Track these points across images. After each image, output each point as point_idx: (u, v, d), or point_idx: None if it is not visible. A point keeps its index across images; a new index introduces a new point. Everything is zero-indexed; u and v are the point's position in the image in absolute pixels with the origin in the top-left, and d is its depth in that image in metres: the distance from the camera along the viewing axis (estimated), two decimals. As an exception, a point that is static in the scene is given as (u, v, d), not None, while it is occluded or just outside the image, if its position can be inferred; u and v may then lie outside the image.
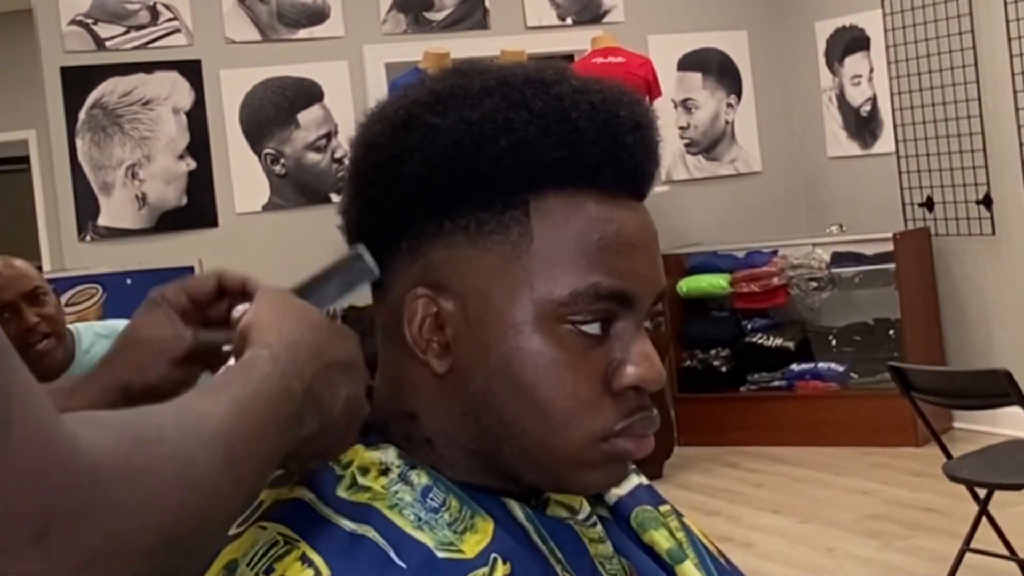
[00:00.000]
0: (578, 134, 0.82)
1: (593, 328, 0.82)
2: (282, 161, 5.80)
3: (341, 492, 0.82)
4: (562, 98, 0.83)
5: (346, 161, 0.92)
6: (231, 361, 0.81)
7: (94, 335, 3.01)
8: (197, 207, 5.61)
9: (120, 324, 3.08)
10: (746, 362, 6.28)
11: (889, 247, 5.96)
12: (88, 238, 5.43)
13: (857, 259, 6.19)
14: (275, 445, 0.72)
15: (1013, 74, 5.59)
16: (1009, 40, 5.58)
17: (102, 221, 5.46)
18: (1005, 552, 3.91)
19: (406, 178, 0.83)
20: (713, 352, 6.31)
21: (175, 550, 0.62)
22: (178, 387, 0.91)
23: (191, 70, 5.62)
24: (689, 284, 6.34)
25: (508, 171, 0.82)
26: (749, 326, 6.38)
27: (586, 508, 0.89)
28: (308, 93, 5.85)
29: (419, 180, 0.83)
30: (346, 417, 0.79)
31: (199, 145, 5.63)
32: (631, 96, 0.86)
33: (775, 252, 6.31)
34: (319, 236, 5.08)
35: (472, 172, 0.82)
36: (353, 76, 5.89)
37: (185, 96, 5.62)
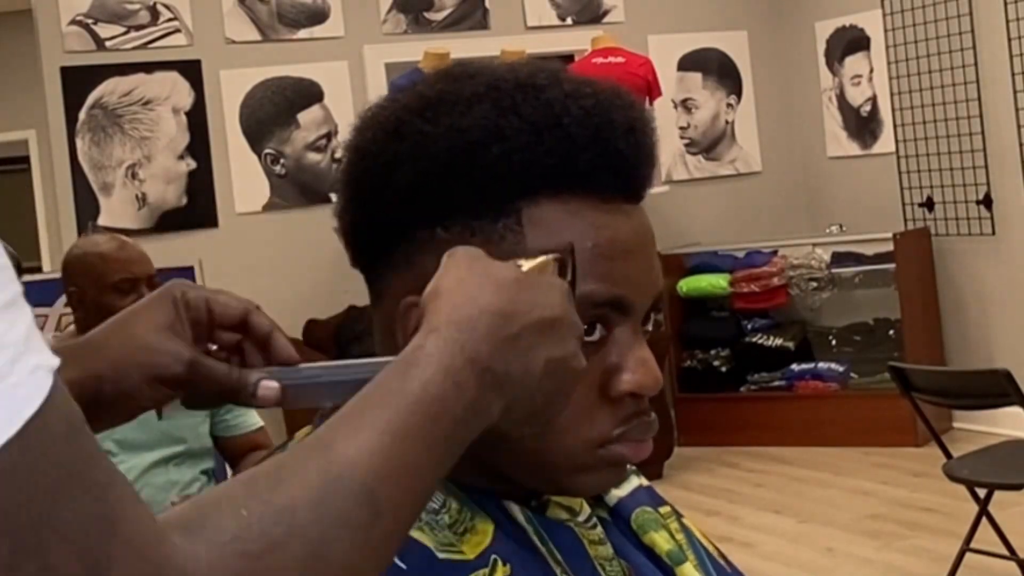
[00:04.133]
0: (570, 140, 0.81)
1: (589, 335, 0.82)
2: (282, 161, 5.80)
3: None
4: (553, 103, 0.82)
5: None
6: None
7: None
8: (197, 207, 5.61)
9: None
10: (746, 362, 6.28)
11: (889, 247, 5.96)
12: (88, 238, 5.43)
13: (857, 259, 6.19)
14: (440, 459, 0.65)
15: (1013, 74, 5.59)
16: (1009, 40, 5.58)
17: (102, 221, 5.46)
18: (1005, 552, 3.91)
19: (398, 186, 0.82)
20: (713, 352, 6.31)
21: None
22: (153, 404, 0.84)
23: (191, 70, 5.62)
24: (689, 284, 6.34)
25: (500, 179, 0.81)
26: (749, 326, 6.38)
27: (586, 510, 0.89)
28: (308, 93, 5.85)
29: (411, 188, 0.82)
30: (550, 381, 0.71)
31: (199, 145, 5.63)
32: (625, 99, 0.85)
33: (775, 252, 6.31)
34: (319, 236, 5.07)
35: (463, 180, 0.81)
36: (353, 76, 5.89)
37: (185, 96, 5.62)
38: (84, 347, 0.83)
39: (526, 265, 0.75)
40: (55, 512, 0.49)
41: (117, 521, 0.51)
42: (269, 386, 0.82)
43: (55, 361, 0.50)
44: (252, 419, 3.02)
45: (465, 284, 0.71)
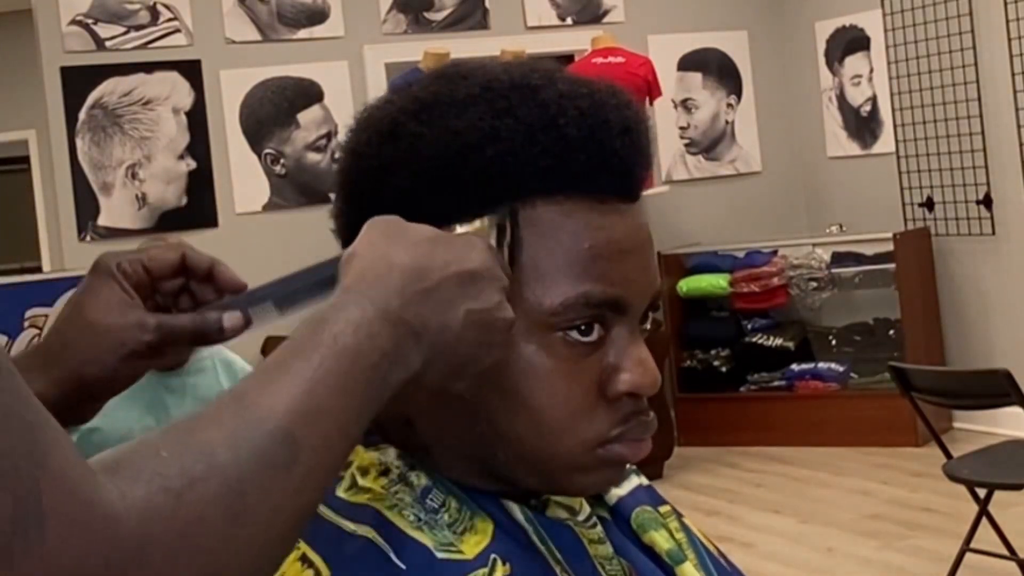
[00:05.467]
0: (565, 142, 0.80)
1: (586, 335, 0.81)
2: (282, 161, 5.80)
3: (341, 493, 0.81)
4: (548, 104, 0.81)
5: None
6: None
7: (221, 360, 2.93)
8: (197, 207, 5.62)
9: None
10: (746, 362, 6.29)
11: (889, 247, 5.96)
12: (88, 238, 5.44)
13: (857, 259, 6.19)
14: (358, 406, 0.67)
15: (1013, 74, 5.59)
16: (1009, 40, 5.58)
17: (102, 221, 5.46)
18: (1005, 552, 3.91)
19: (393, 188, 0.82)
20: (713, 352, 6.31)
21: None
22: (133, 379, 0.85)
23: (191, 70, 5.62)
24: (689, 284, 6.34)
25: (495, 181, 0.80)
26: (749, 326, 6.38)
27: (586, 509, 0.89)
28: (308, 93, 5.85)
29: (406, 190, 0.82)
30: (472, 332, 0.73)
31: (199, 145, 5.63)
32: (620, 98, 0.85)
33: (775, 252, 6.32)
34: (319, 236, 5.02)
35: (459, 182, 0.80)
36: (353, 76, 5.90)
37: (185, 96, 5.62)
38: (50, 350, 0.84)
39: (461, 228, 0.77)
40: None
41: (47, 456, 0.53)
42: (232, 316, 0.84)
43: None
44: None
45: (377, 245, 0.73)
